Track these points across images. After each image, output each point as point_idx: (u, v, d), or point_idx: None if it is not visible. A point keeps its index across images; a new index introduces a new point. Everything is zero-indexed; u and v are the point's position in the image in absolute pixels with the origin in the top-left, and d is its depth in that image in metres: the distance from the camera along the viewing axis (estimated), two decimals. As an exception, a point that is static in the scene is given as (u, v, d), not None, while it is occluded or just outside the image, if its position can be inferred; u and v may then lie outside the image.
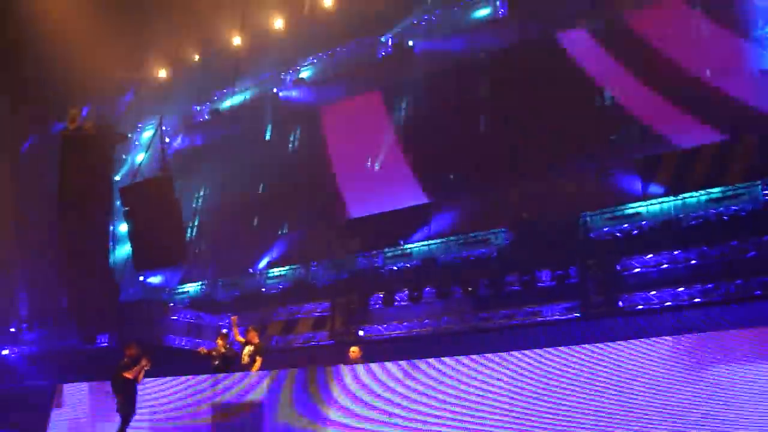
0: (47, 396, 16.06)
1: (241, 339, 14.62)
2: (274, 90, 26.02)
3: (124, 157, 27.78)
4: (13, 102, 25.05)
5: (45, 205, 24.49)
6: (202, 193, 26.68)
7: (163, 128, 26.90)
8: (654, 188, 17.41)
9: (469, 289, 18.55)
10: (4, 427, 19.14)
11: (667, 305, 15.60)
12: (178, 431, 13.16)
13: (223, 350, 14.65)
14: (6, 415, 20.23)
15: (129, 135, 27.58)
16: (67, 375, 17.87)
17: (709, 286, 15.25)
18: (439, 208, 20.44)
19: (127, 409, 13.16)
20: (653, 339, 9.41)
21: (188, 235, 23.45)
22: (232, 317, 15.90)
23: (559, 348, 10.06)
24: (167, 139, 27.18)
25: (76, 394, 15.51)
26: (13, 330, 25.50)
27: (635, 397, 8.94)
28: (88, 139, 23.67)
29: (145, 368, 13.49)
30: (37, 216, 24.71)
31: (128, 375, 13.29)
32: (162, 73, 27.29)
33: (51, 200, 24.06)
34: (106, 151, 24.91)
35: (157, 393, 13.92)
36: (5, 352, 24.99)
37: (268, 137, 25.80)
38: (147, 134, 28.06)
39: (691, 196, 16.58)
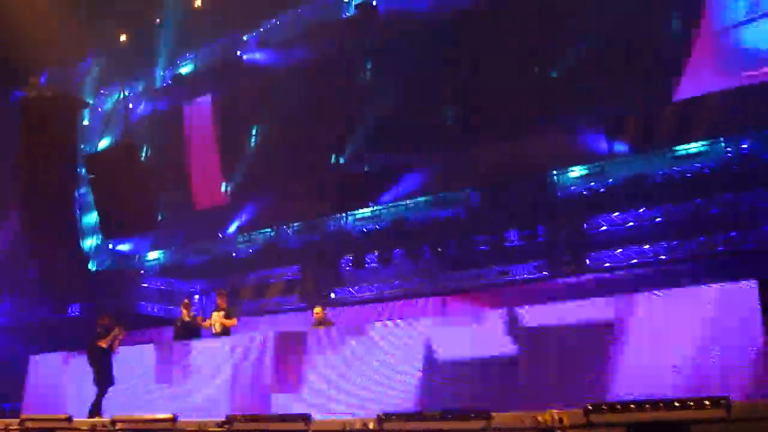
0: (22, 367, 16.05)
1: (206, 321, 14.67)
2: (238, 53, 25.74)
3: (87, 124, 27.38)
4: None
5: (7, 174, 24.18)
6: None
7: (126, 94, 26.60)
8: (619, 146, 17.64)
9: (439, 249, 18.77)
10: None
11: (633, 263, 15.96)
12: (155, 400, 13.26)
13: (186, 319, 14.76)
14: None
15: (91, 102, 27.20)
16: (41, 345, 17.81)
17: (674, 243, 15.61)
18: (408, 168, 20.47)
19: (103, 380, 13.22)
20: (622, 296, 9.65)
21: (156, 201, 23.21)
22: (184, 300, 15.97)
23: (528, 306, 10.27)
24: (130, 105, 26.84)
25: (50, 365, 15.53)
26: (-19, 301, 25.31)
27: (604, 353, 9.18)
28: (49, 106, 23.41)
29: (119, 337, 13.53)
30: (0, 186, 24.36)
31: (102, 344, 13.34)
32: (122, 38, 26.81)
33: (13, 169, 23.79)
34: (68, 118, 24.65)
35: (133, 361, 14.01)
36: (-26, 322, 24.82)
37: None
38: (109, 101, 27.66)
39: (656, 154, 16.85)
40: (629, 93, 17.24)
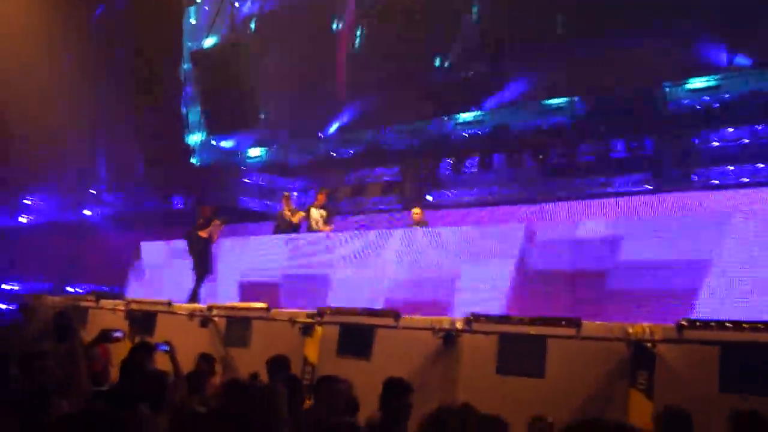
0: (129, 254, 16.76)
1: (297, 213, 14.84)
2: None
3: (194, 22, 27.57)
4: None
5: (118, 71, 24.76)
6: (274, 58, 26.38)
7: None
8: (740, 59, 16.55)
9: (540, 157, 18.37)
10: (89, 281, 20.16)
11: (744, 181, 15.14)
12: (253, 289, 13.63)
13: (287, 214, 14.93)
14: (89, 271, 21.26)
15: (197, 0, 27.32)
16: (146, 234, 18.51)
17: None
18: (514, 74, 19.84)
19: (202, 268, 13.67)
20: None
21: (260, 98, 23.30)
22: (284, 194, 16.07)
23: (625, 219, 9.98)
24: (237, 4, 26.81)
25: (154, 252, 16.15)
26: (93, 192, 26.37)
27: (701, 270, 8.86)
28: (157, 3, 23.71)
29: (219, 228, 13.94)
30: (111, 81, 24.96)
31: (203, 234, 13.75)
32: (232, -66, 26.60)
33: (123, 67, 24.38)
34: (175, 15, 24.93)
35: (232, 252, 14.40)
36: (87, 212, 25.96)
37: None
38: (216, -1, 27.70)
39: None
40: (756, 2, 16.09)
